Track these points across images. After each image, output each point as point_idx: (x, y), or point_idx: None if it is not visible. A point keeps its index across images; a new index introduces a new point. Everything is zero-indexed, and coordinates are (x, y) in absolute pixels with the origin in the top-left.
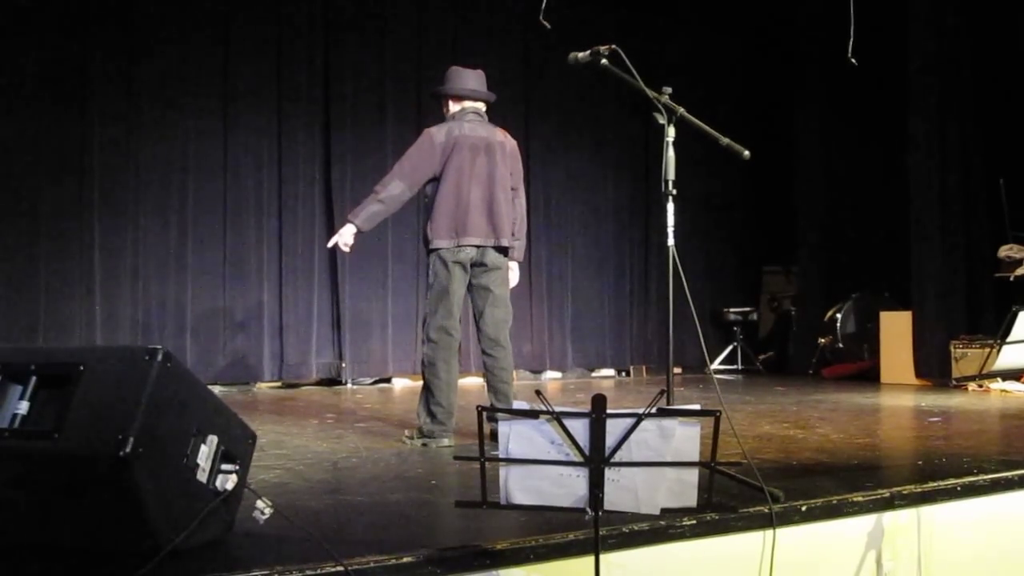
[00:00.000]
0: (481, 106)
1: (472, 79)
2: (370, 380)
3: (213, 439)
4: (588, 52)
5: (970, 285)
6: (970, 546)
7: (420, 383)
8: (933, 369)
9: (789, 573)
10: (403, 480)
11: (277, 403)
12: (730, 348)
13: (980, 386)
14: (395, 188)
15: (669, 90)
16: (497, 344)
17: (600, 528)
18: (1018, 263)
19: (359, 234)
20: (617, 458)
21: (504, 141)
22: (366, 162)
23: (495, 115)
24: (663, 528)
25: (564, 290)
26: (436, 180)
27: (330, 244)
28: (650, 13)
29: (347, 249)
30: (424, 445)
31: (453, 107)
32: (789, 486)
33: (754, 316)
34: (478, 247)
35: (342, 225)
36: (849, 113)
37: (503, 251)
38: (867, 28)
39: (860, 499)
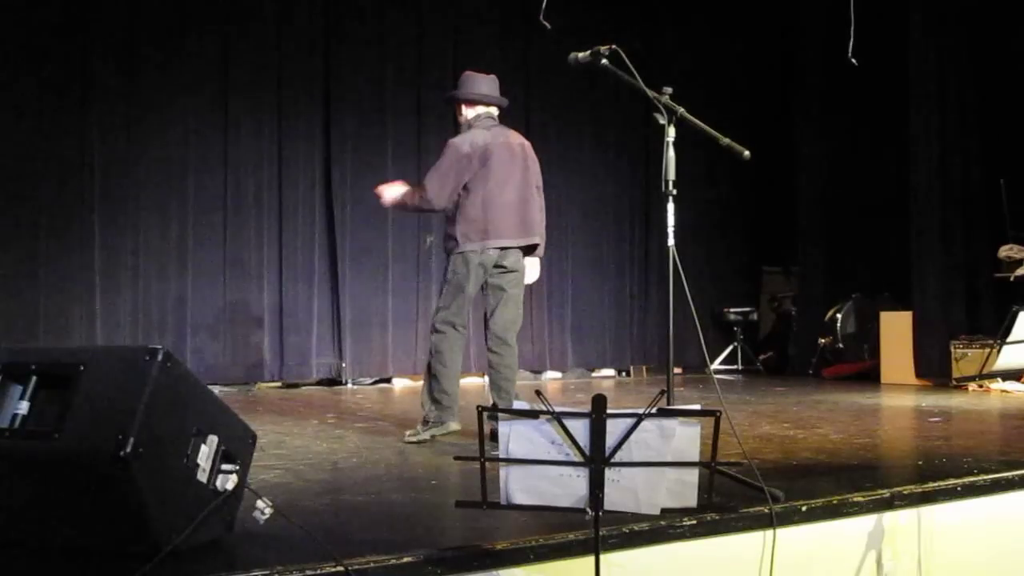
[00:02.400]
0: (495, 111)
1: (486, 84)
2: (370, 380)
3: (213, 439)
4: (588, 52)
5: (970, 285)
6: (970, 546)
7: (420, 383)
8: (933, 369)
9: (789, 573)
10: (403, 480)
11: (277, 403)
12: (730, 348)
13: (980, 386)
14: (431, 202)
15: (669, 90)
16: (504, 343)
17: (600, 528)
18: (1018, 263)
19: (392, 207)
20: (617, 458)
21: (523, 143)
22: (366, 162)
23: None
24: (663, 528)
25: (564, 290)
26: (465, 185)
27: (384, 194)
28: (650, 13)
29: (384, 198)
30: (432, 437)
31: (468, 112)
32: (789, 486)
33: (754, 316)
34: (503, 249)
35: (394, 191)
36: (849, 113)
37: (528, 250)
38: (867, 28)
39: (860, 499)
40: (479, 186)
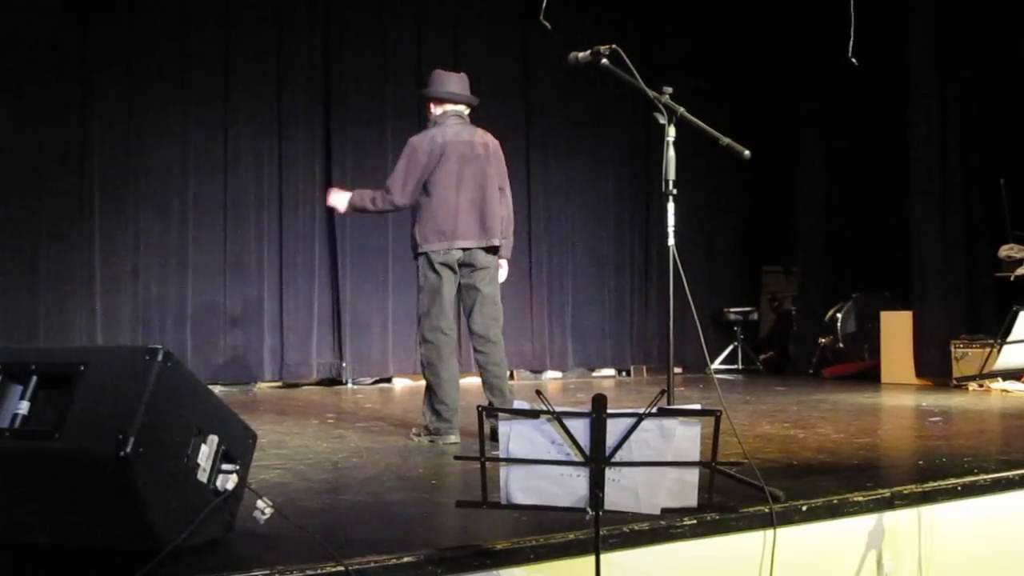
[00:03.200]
0: (463, 109)
1: (455, 82)
2: (370, 380)
3: (213, 439)
4: (588, 52)
5: (970, 285)
6: (971, 546)
7: (421, 383)
8: (933, 369)
9: (789, 573)
10: (403, 480)
11: (277, 403)
12: (730, 348)
13: (980, 386)
14: (393, 201)
15: (669, 90)
16: (487, 341)
17: (600, 528)
18: (1018, 263)
19: (345, 212)
20: (617, 458)
21: (488, 143)
22: (366, 162)
23: (496, 115)
24: (663, 528)
25: (564, 290)
26: (424, 186)
27: (330, 200)
28: (650, 12)
29: (334, 205)
30: (432, 442)
31: (435, 110)
32: (789, 486)
33: (754, 316)
34: (465, 249)
35: (345, 197)
36: (849, 113)
37: (492, 250)
38: (868, 27)
39: (860, 499)
40: (437, 186)
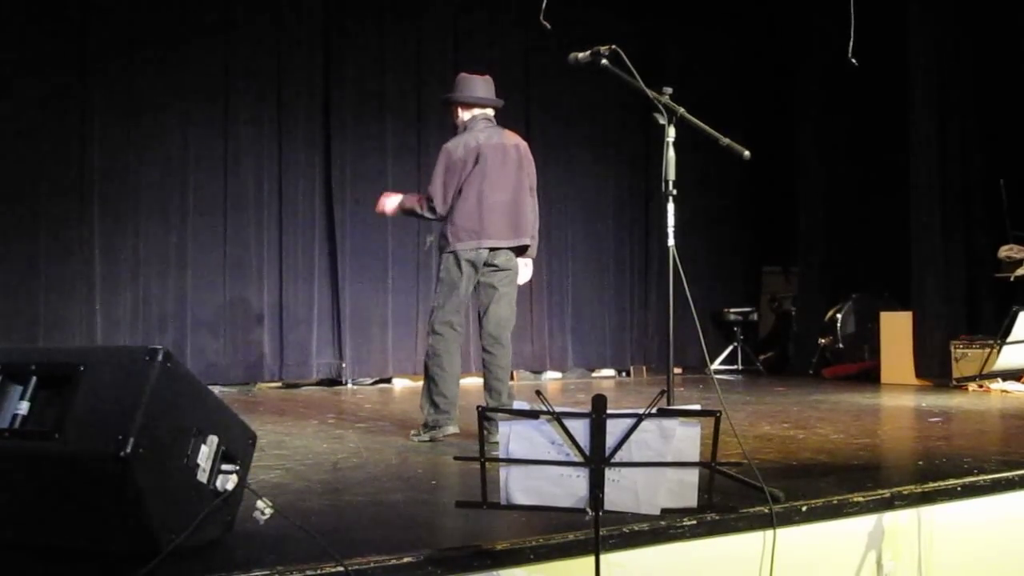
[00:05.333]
0: (490, 112)
1: (481, 86)
2: (370, 380)
3: (213, 439)
4: (588, 52)
5: (970, 285)
6: (970, 546)
7: (420, 383)
8: (933, 369)
9: (789, 573)
10: (403, 480)
11: (277, 403)
12: (730, 348)
13: (980, 386)
14: (436, 210)
15: (669, 90)
16: (497, 342)
17: (600, 528)
18: (1018, 263)
19: (397, 214)
20: (617, 458)
21: (519, 144)
22: (366, 162)
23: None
24: (663, 528)
25: (564, 290)
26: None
27: (381, 204)
28: (650, 13)
29: (385, 209)
30: (432, 439)
31: (463, 114)
32: (789, 486)
33: (754, 316)
34: (493, 248)
35: (396, 200)
36: (849, 113)
37: (518, 251)
38: (867, 28)
39: (860, 499)
40: (471, 187)
